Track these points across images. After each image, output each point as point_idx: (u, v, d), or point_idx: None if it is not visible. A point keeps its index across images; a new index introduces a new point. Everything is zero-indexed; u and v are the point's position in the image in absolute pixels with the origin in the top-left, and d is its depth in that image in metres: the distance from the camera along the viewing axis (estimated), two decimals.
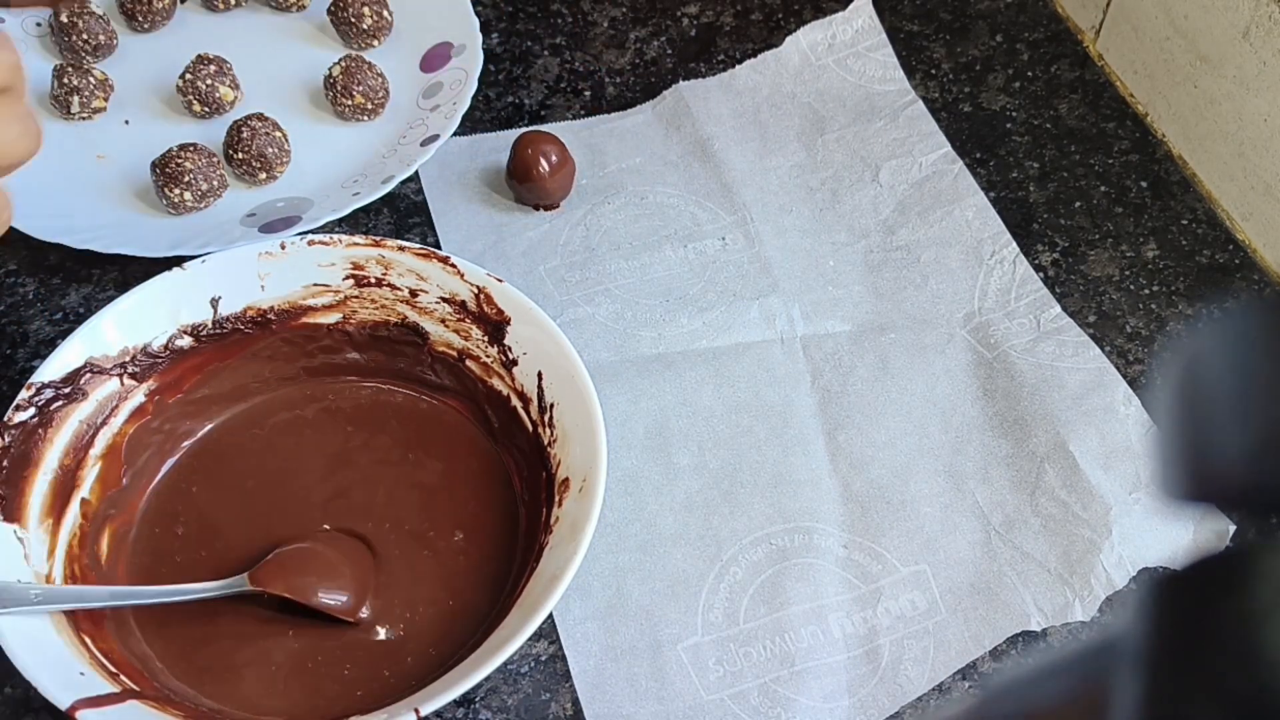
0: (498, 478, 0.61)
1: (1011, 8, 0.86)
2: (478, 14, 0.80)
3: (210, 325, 0.61)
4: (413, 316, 0.62)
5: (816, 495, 0.62)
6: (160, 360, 0.60)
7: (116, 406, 0.59)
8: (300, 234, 0.63)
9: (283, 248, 0.61)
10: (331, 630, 0.56)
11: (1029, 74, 0.82)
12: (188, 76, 0.74)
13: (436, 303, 0.62)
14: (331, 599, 0.55)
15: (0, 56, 0.43)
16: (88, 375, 0.57)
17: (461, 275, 0.61)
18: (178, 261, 0.61)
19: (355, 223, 0.72)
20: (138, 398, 0.59)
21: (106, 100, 0.75)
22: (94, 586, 0.55)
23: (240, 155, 0.71)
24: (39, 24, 0.78)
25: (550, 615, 0.57)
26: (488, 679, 0.52)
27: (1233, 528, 0.60)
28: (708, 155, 0.76)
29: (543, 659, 0.57)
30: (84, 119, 0.75)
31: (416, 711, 0.48)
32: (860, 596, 0.59)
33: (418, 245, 0.62)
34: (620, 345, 0.67)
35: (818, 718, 0.55)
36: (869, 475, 0.63)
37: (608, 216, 0.73)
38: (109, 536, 0.58)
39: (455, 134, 0.74)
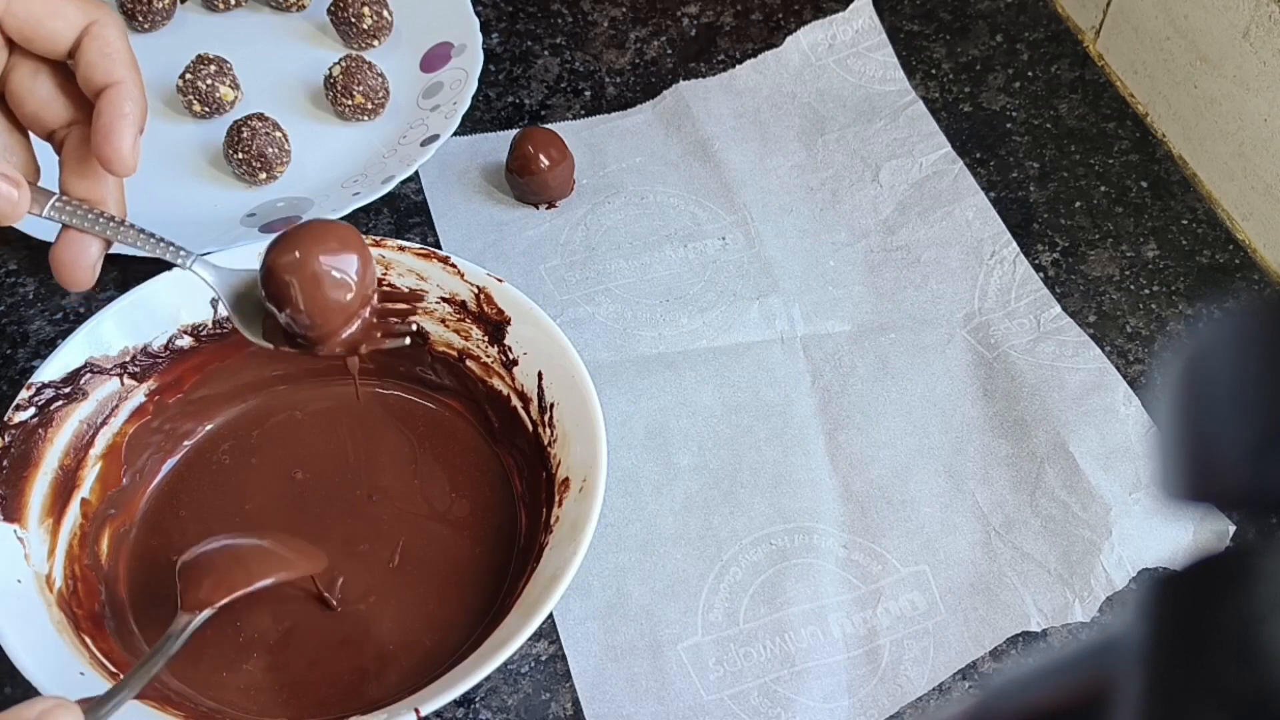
0: (498, 478, 0.61)
1: (1011, 8, 0.86)
2: (478, 14, 0.80)
3: (210, 325, 0.61)
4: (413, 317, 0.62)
5: (816, 495, 0.62)
6: (160, 360, 0.60)
7: (116, 406, 0.59)
8: None
9: None
10: (332, 630, 0.56)
11: (1029, 74, 0.82)
12: (188, 76, 0.74)
13: (436, 303, 0.62)
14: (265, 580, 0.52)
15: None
16: (88, 375, 0.57)
17: (461, 275, 0.61)
18: None
19: (355, 223, 0.72)
20: (138, 398, 0.59)
21: None
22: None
23: (240, 155, 0.71)
24: None
25: (550, 615, 0.57)
26: (488, 679, 0.52)
27: (1233, 528, 0.60)
28: (708, 155, 0.76)
29: (543, 659, 0.57)
30: None
31: (416, 711, 0.48)
32: (860, 597, 0.59)
33: (418, 245, 0.62)
34: (620, 345, 0.67)
35: (818, 718, 0.55)
36: (869, 475, 0.63)
37: (608, 216, 0.73)
38: (109, 536, 0.58)
39: (455, 134, 0.74)
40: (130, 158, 0.46)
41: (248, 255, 0.61)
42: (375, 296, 0.52)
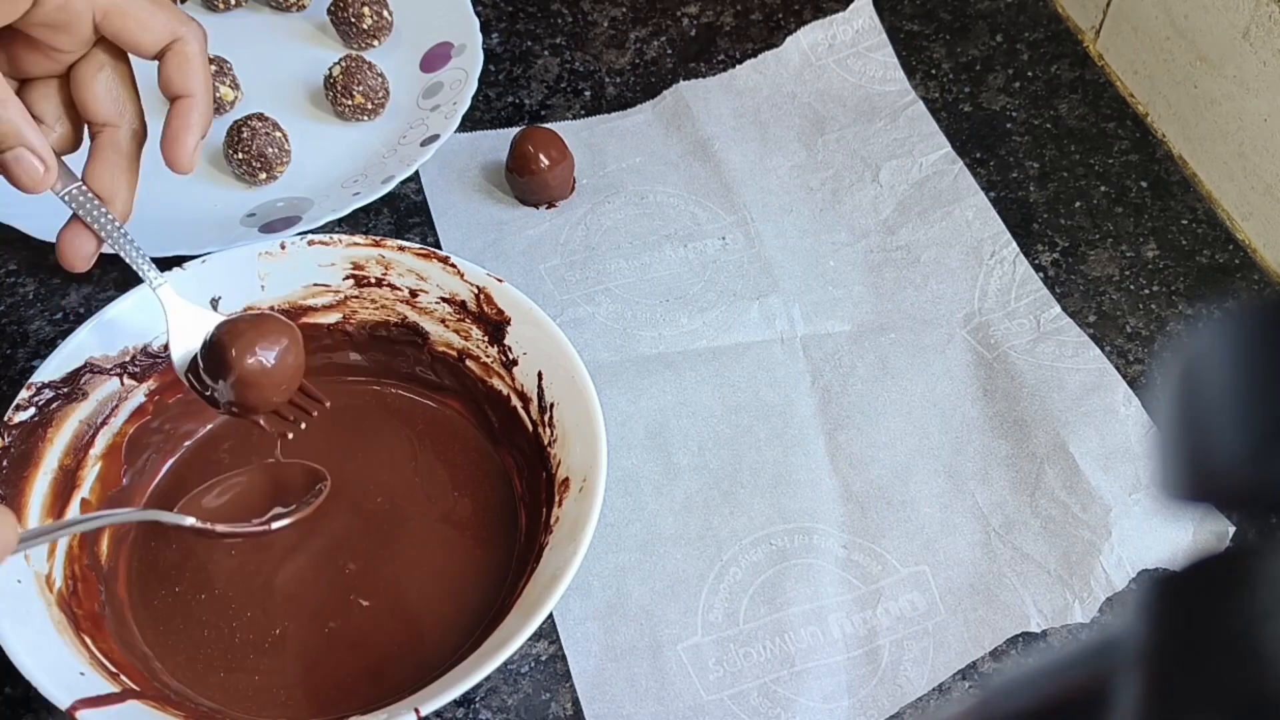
0: (498, 478, 0.61)
1: (1011, 8, 0.86)
2: (478, 14, 0.80)
3: None
4: (413, 316, 0.62)
5: (816, 495, 0.62)
6: (160, 360, 0.60)
7: (116, 406, 0.59)
8: (300, 234, 0.63)
9: (283, 248, 0.61)
10: (332, 630, 0.56)
11: (1029, 74, 0.82)
12: None
13: (436, 303, 0.62)
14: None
15: None
16: (88, 375, 0.57)
17: (461, 275, 0.61)
18: (178, 261, 0.61)
19: (355, 223, 0.72)
20: (138, 398, 0.59)
21: None
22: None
23: (240, 155, 0.71)
24: None
25: (550, 615, 0.57)
26: (488, 679, 0.52)
27: (1232, 529, 0.60)
28: (708, 155, 0.76)
29: (543, 659, 0.57)
30: None
31: (416, 711, 0.48)
32: (860, 597, 0.59)
33: (418, 245, 0.62)
34: (620, 345, 0.67)
35: (817, 718, 0.55)
36: (869, 475, 0.63)
37: (608, 216, 0.73)
38: (109, 536, 0.58)
39: (455, 133, 0.74)
40: (189, 161, 0.53)
41: (247, 256, 0.61)
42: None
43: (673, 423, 0.64)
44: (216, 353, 0.53)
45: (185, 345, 0.54)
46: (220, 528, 0.56)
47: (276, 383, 0.53)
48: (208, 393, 0.54)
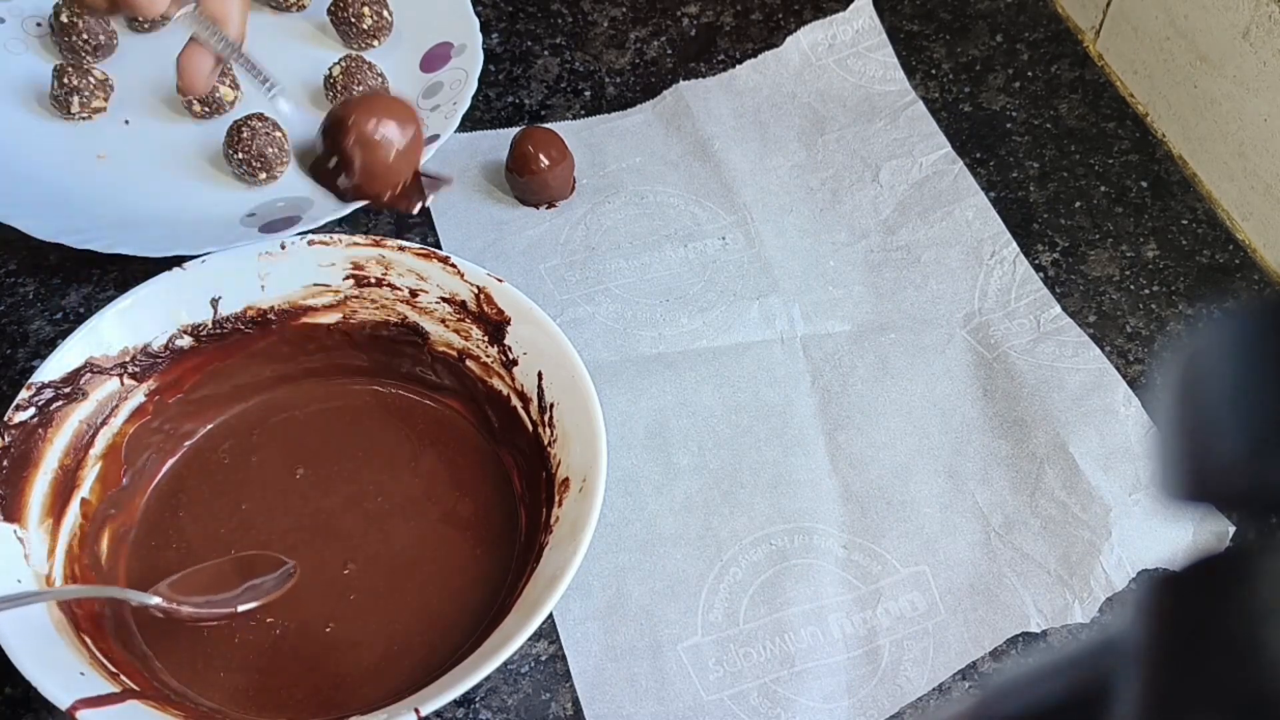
0: (498, 478, 0.61)
1: (1011, 8, 0.86)
2: (478, 14, 0.80)
3: (210, 325, 0.61)
4: (413, 316, 0.62)
5: (816, 495, 0.62)
6: (160, 360, 0.60)
7: (116, 406, 0.59)
8: (300, 234, 0.63)
9: (283, 248, 0.61)
10: (332, 630, 0.56)
11: (1029, 74, 0.82)
12: None
13: (436, 303, 0.62)
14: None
15: None
16: (88, 375, 0.57)
17: (461, 275, 0.61)
18: (178, 261, 0.61)
19: (355, 223, 0.72)
20: (138, 398, 0.59)
21: (106, 100, 0.75)
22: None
23: (240, 155, 0.71)
24: (39, 24, 0.78)
25: (550, 615, 0.57)
26: (488, 679, 0.52)
27: (1232, 529, 0.60)
28: (708, 155, 0.76)
29: (543, 659, 0.57)
30: (84, 119, 0.75)
31: (417, 711, 0.48)
32: (860, 597, 0.59)
33: (418, 245, 0.62)
34: (620, 345, 0.67)
35: (817, 718, 0.55)
36: (869, 475, 0.63)
37: (608, 216, 0.73)
38: (109, 536, 0.58)
39: (455, 133, 0.74)
40: (204, 84, 0.56)
41: (248, 256, 0.61)
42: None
43: (673, 423, 0.64)
44: (336, 123, 0.55)
45: (302, 144, 0.58)
46: (186, 610, 0.53)
47: (395, 150, 0.55)
48: (330, 174, 0.56)
